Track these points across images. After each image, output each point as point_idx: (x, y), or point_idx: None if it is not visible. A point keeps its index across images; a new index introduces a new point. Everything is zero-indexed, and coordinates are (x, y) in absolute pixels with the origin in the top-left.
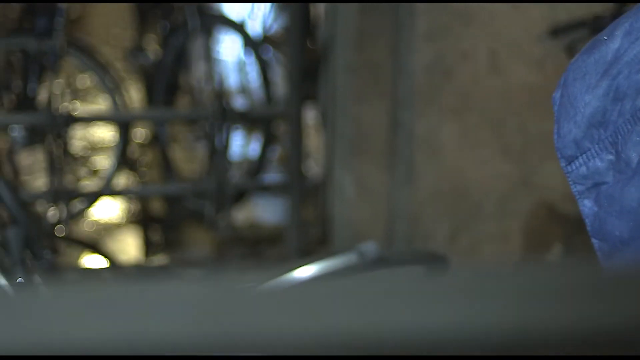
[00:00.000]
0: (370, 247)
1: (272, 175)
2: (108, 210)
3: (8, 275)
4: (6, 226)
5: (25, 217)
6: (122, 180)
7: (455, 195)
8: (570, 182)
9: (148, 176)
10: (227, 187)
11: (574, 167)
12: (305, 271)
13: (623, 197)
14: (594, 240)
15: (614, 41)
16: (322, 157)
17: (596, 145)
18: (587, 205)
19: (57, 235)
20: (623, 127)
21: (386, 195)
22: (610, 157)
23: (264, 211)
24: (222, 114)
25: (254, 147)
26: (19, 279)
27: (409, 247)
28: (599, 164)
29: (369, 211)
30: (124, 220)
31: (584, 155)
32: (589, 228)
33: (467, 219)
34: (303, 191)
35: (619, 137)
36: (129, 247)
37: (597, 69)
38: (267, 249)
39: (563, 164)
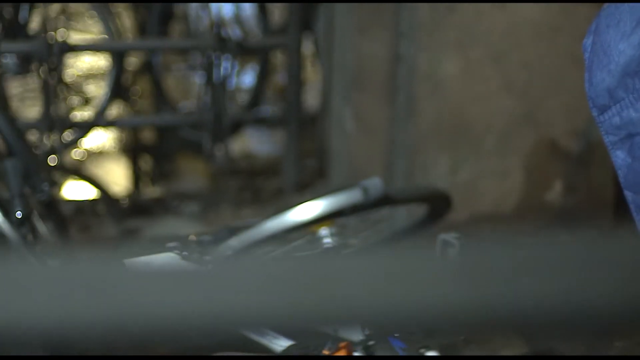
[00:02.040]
0: (374, 184)
1: (268, 107)
2: (101, 139)
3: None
4: (3, 158)
5: (22, 148)
6: (116, 109)
7: (456, 130)
8: (603, 132)
9: (141, 106)
10: (225, 119)
11: (606, 117)
12: (309, 208)
13: None
14: (627, 193)
15: None
16: (320, 89)
17: (630, 95)
18: (619, 157)
19: (52, 165)
20: None
21: (386, 129)
22: None
23: (260, 143)
24: (219, 44)
25: (251, 78)
26: (18, 213)
27: (411, 184)
28: (634, 114)
29: (368, 145)
30: (117, 150)
31: (618, 105)
32: (621, 180)
33: (468, 154)
34: (300, 123)
35: None
36: (122, 178)
37: (633, 16)
38: (263, 181)
39: (595, 114)
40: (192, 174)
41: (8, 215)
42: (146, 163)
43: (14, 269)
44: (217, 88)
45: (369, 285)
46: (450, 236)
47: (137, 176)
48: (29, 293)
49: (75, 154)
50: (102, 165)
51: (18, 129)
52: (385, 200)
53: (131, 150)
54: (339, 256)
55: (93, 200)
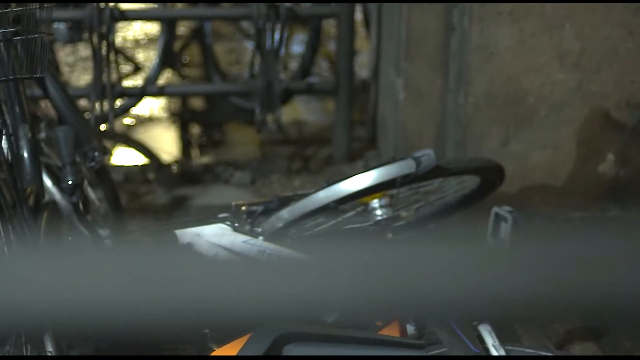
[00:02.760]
0: (426, 155)
1: (319, 76)
2: (151, 107)
3: (57, 177)
4: (55, 125)
5: (73, 116)
6: (165, 77)
7: (508, 101)
8: None
9: (191, 74)
10: (276, 87)
11: None
12: (361, 179)
13: None
14: None
15: None
16: (371, 58)
17: None
18: None
19: (102, 133)
20: None
21: (438, 99)
22: None
23: (310, 112)
24: (270, 11)
25: (301, 47)
26: (69, 181)
27: (463, 155)
28: None
29: (419, 115)
30: (167, 118)
31: None
32: None
33: (520, 126)
34: (351, 92)
35: None
36: (171, 145)
37: None
38: (313, 150)
39: None
40: (242, 143)
41: (59, 184)
42: (195, 131)
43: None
44: (268, 56)
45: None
46: (504, 210)
47: (186, 144)
48: (91, 279)
49: (126, 121)
50: (151, 133)
51: (70, 96)
52: (437, 172)
53: (180, 118)
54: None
55: (143, 167)
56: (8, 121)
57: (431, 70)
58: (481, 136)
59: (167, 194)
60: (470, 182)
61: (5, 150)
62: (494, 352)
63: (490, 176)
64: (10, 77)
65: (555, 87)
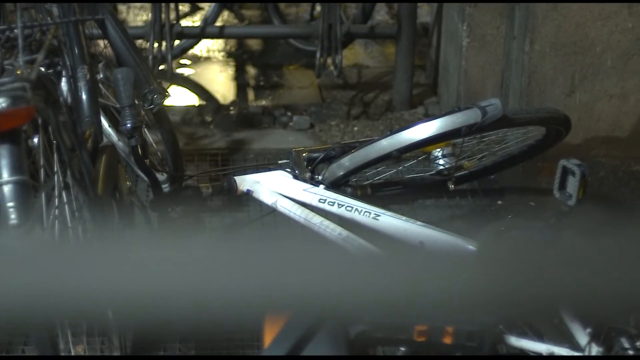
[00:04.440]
0: (493, 105)
1: (381, 19)
2: (208, 48)
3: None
4: (113, 66)
5: (132, 57)
6: (224, 18)
7: (574, 49)
8: None
9: (249, 15)
10: (337, 30)
11: None
12: (425, 127)
13: None
14: None
15: None
16: (435, 4)
17: None
18: None
19: (161, 74)
20: None
21: (502, 46)
22: None
23: (370, 57)
24: None
25: None
26: (128, 124)
27: (526, 104)
28: None
29: (483, 62)
30: (225, 60)
31: None
32: None
33: (586, 75)
34: (413, 36)
35: None
36: (229, 88)
37: None
38: (373, 95)
39: None
40: (300, 86)
41: (117, 126)
42: (252, 73)
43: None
44: None
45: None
46: (572, 163)
47: (242, 86)
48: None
49: (183, 63)
50: (207, 74)
51: (129, 37)
52: (503, 122)
53: (237, 59)
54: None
55: (200, 109)
56: (68, 63)
57: (496, 16)
58: (545, 85)
59: (224, 137)
60: (535, 132)
61: (64, 92)
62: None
63: (557, 127)
64: (72, 19)
65: (624, 36)
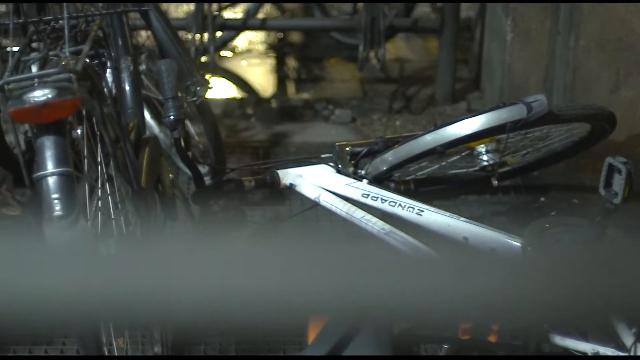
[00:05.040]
0: (538, 101)
1: (423, 13)
2: (250, 41)
3: (157, 111)
4: (156, 57)
5: (175, 49)
6: (267, 11)
7: (620, 45)
8: None
9: (290, 7)
10: (380, 23)
11: None
12: (470, 123)
13: None
14: None
15: None
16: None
17: None
18: None
19: (203, 66)
20: None
21: (547, 41)
22: None
23: (412, 51)
24: None
25: None
26: (171, 115)
27: (571, 100)
28: None
29: (527, 57)
30: (266, 52)
31: None
32: None
33: (631, 72)
34: (456, 30)
35: None
36: (270, 80)
37: None
38: (415, 90)
39: None
40: (342, 79)
41: (159, 118)
42: (293, 65)
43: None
44: None
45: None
46: (618, 161)
47: (283, 79)
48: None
49: (225, 55)
50: (248, 66)
51: (173, 29)
52: (549, 119)
53: (278, 51)
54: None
55: (241, 102)
56: (113, 54)
57: (541, 10)
58: (590, 81)
59: (266, 130)
60: (580, 129)
61: (109, 84)
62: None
63: (602, 124)
64: (118, 10)
65: None
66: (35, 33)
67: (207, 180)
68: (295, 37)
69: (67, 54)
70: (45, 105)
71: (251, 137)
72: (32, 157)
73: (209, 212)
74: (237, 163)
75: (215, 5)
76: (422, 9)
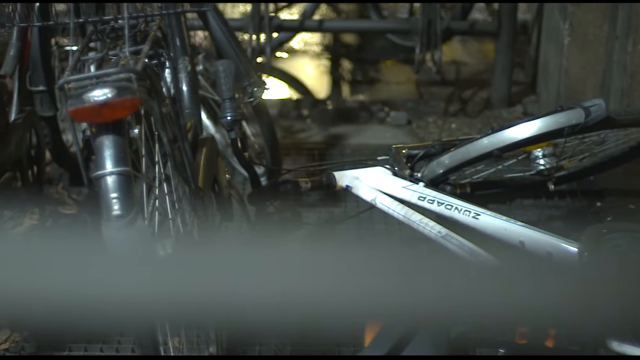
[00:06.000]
0: (597, 106)
1: (479, 16)
2: (306, 42)
3: (213, 111)
4: (212, 58)
5: (235, 50)
6: (323, 12)
7: None
8: None
9: (345, 9)
10: (437, 25)
11: None
12: (527, 126)
13: None
14: None
15: None
16: (536, 3)
17: None
18: None
19: (260, 67)
20: None
21: (604, 45)
22: None
23: (468, 54)
24: None
25: None
26: (228, 116)
27: (628, 105)
28: None
29: (584, 61)
30: (322, 53)
31: None
32: None
33: None
34: (513, 34)
35: None
36: (326, 82)
37: None
38: (470, 92)
39: None
40: (397, 82)
41: (216, 118)
42: (348, 67)
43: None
44: None
45: None
46: None
47: (340, 81)
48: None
49: (280, 55)
50: (303, 68)
51: (230, 30)
52: (607, 123)
53: (333, 53)
54: None
55: (297, 103)
56: (171, 54)
57: (599, 14)
58: None
59: (321, 132)
60: (637, 134)
61: (167, 84)
62: None
63: None
64: (178, 10)
65: None
66: (95, 33)
67: (263, 181)
68: (350, 38)
69: (127, 53)
70: (105, 104)
71: (307, 138)
72: (89, 156)
73: (264, 213)
74: (293, 164)
75: (271, 6)
76: (478, 12)
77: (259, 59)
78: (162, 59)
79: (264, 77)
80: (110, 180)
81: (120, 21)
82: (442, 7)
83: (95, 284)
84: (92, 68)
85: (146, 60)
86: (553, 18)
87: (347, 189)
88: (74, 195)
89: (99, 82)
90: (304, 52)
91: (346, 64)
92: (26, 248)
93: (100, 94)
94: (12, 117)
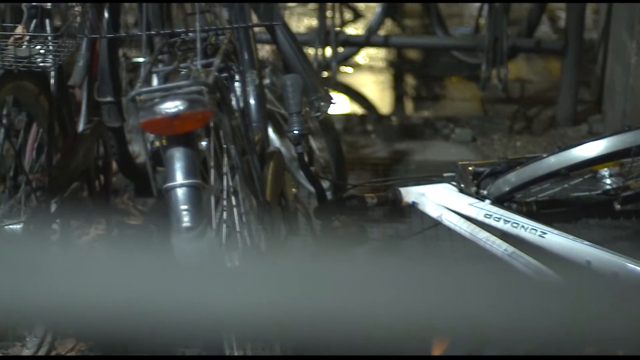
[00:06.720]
0: None
1: (544, 34)
2: (371, 57)
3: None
4: (280, 72)
5: (302, 64)
6: (388, 28)
7: None
8: None
9: (410, 25)
10: (504, 43)
11: None
12: (595, 146)
13: None
14: None
15: None
16: (601, 18)
17: None
18: None
19: (325, 82)
20: None
21: None
22: None
23: (533, 71)
24: None
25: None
26: (295, 130)
27: None
28: None
29: None
30: (386, 69)
31: None
32: None
33: None
34: (580, 52)
35: None
36: (390, 97)
37: None
38: (536, 111)
39: None
40: (462, 98)
41: (282, 132)
42: (412, 83)
43: None
44: (498, 10)
45: None
46: None
47: (405, 97)
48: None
49: (345, 70)
50: (370, 84)
51: (298, 44)
52: None
53: (397, 68)
54: None
55: (361, 118)
56: (240, 67)
57: None
58: None
59: (386, 147)
60: None
61: (237, 97)
62: None
63: None
64: (249, 24)
65: None
66: (166, 45)
67: (328, 195)
68: (414, 54)
69: (199, 66)
70: (176, 116)
71: (371, 154)
72: (155, 167)
73: (330, 228)
74: (357, 179)
75: (337, 21)
76: (543, 30)
77: (324, 74)
78: (232, 72)
79: (330, 92)
80: (180, 192)
81: (191, 34)
82: (507, 24)
83: (162, 294)
84: (159, 80)
85: (216, 74)
86: (620, 37)
87: (413, 205)
88: (140, 206)
89: (170, 94)
90: (368, 67)
91: (410, 80)
92: (92, 258)
93: (172, 106)
94: (81, 127)
